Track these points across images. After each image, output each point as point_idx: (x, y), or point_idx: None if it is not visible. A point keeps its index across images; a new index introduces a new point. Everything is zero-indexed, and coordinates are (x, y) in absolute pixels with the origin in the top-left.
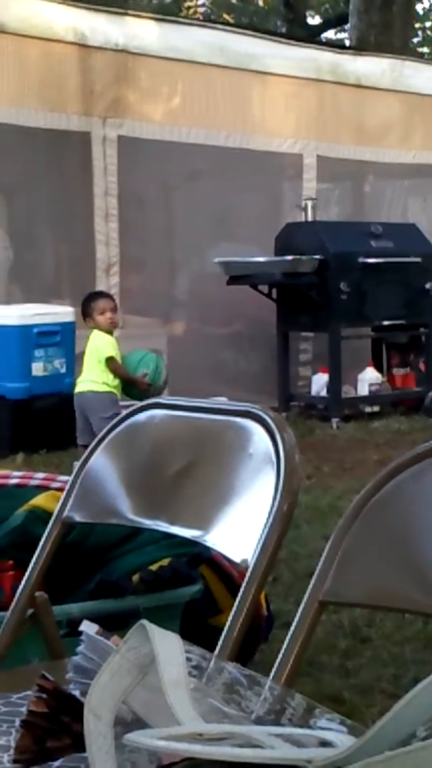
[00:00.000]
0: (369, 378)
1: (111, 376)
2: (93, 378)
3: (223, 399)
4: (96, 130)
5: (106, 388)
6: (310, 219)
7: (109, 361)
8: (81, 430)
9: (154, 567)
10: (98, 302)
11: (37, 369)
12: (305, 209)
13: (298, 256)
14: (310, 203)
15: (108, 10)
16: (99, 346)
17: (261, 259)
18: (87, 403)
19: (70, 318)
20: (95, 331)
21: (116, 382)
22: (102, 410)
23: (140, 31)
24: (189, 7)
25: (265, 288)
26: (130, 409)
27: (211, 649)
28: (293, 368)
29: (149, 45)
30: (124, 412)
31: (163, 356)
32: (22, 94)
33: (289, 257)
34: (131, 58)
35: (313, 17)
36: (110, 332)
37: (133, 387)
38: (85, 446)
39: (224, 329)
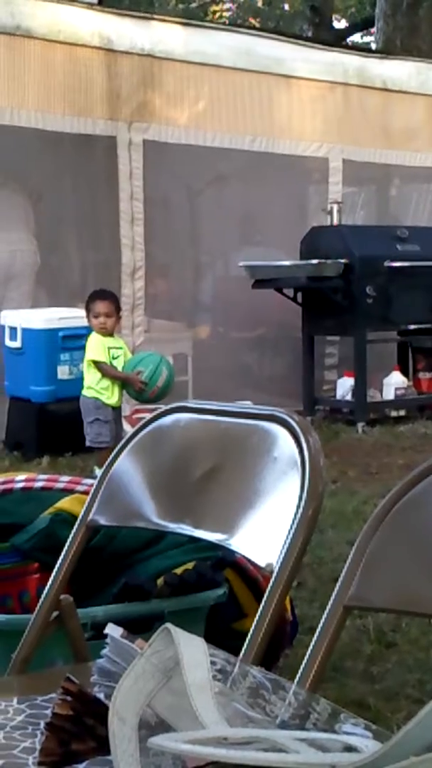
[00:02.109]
0: (395, 382)
1: (96, 379)
2: (85, 382)
3: (248, 403)
4: (122, 134)
5: (90, 393)
6: (335, 223)
7: (95, 364)
8: None
9: (178, 570)
10: (94, 304)
11: (63, 372)
12: (331, 213)
13: (323, 260)
14: (335, 207)
15: (134, 14)
16: (87, 348)
17: (286, 263)
18: (82, 407)
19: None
20: (91, 334)
21: (102, 385)
22: (86, 414)
23: (166, 36)
24: (215, 12)
25: (290, 292)
26: (156, 412)
27: (235, 654)
28: (318, 372)
29: (175, 49)
30: (147, 417)
31: (177, 362)
32: (49, 98)
33: (315, 261)
34: (157, 62)
35: (339, 21)
36: (107, 335)
37: (129, 386)
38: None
39: (249, 333)
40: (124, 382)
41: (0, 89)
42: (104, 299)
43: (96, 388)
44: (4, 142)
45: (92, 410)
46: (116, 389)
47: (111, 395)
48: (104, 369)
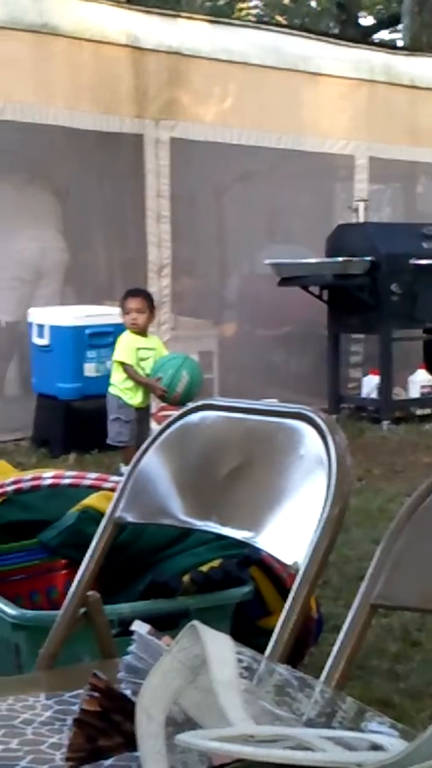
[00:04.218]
0: (420, 380)
1: (121, 379)
2: (111, 380)
3: (274, 400)
4: (148, 132)
5: (114, 391)
6: (361, 220)
7: (121, 365)
8: None
9: (204, 568)
10: (126, 301)
11: (89, 370)
12: (357, 210)
13: (349, 258)
14: (361, 204)
15: (161, 12)
16: (116, 347)
17: (312, 261)
18: (107, 403)
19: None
20: (124, 332)
21: (127, 385)
22: (109, 412)
23: (193, 33)
24: (241, 9)
25: (316, 289)
26: (182, 410)
27: (260, 651)
28: (343, 370)
29: (202, 47)
30: (173, 414)
31: (202, 361)
32: (76, 96)
33: (341, 259)
34: (184, 60)
35: (365, 18)
36: (140, 333)
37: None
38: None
39: (275, 330)
40: (144, 387)
41: (28, 87)
42: (136, 296)
43: (120, 387)
44: (32, 140)
45: (114, 408)
46: (140, 390)
47: (134, 395)
48: (129, 372)
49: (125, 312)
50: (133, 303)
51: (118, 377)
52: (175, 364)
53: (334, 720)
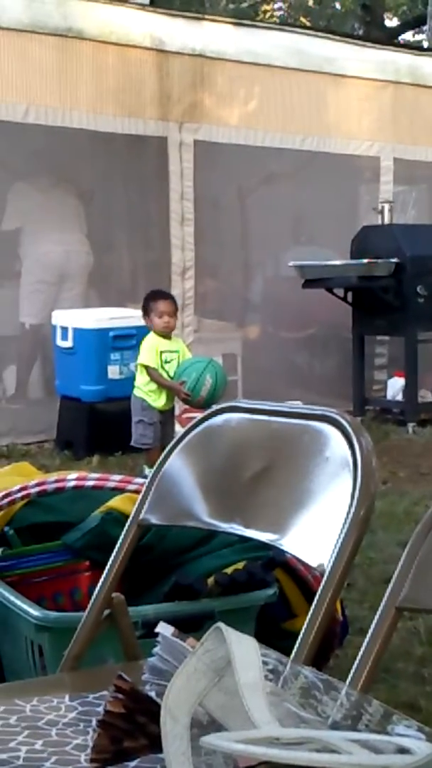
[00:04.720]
0: None
1: (145, 381)
2: (136, 382)
3: (299, 403)
4: (172, 134)
5: (139, 393)
6: (386, 222)
7: (144, 368)
8: None
9: (229, 570)
10: (157, 304)
11: (113, 372)
12: (382, 212)
13: (374, 260)
14: (387, 206)
15: (185, 15)
16: (141, 349)
17: (337, 263)
18: (131, 405)
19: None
20: (149, 334)
21: (151, 387)
22: (133, 414)
23: (217, 36)
24: (265, 11)
25: (340, 291)
26: (207, 412)
27: (285, 654)
28: (369, 372)
29: (226, 49)
30: (197, 416)
31: (226, 363)
32: (100, 99)
33: (365, 260)
34: (208, 62)
35: (390, 19)
36: (166, 336)
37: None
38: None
39: (299, 333)
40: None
41: (52, 91)
42: (167, 299)
43: (144, 389)
44: (56, 143)
45: (138, 411)
46: (164, 393)
47: (158, 398)
48: (152, 375)
49: (157, 315)
50: (166, 306)
51: (141, 380)
52: (199, 368)
53: (359, 723)
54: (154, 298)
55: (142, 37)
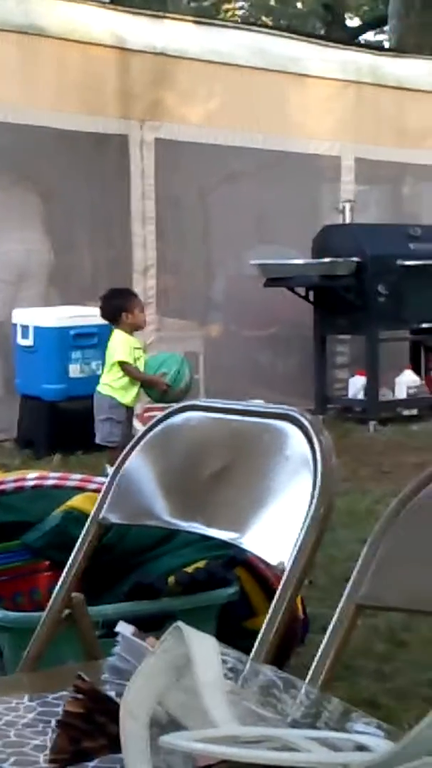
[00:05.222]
0: (407, 381)
1: (116, 378)
2: (103, 379)
3: (260, 401)
4: (134, 133)
5: (106, 391)
6: (348, 221)
7: (121, 365)
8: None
9: (189, 569)
10: (136, 300)
11: (74, 371)
12: (343, 211)
13: (335, 259)
14: (348, 205)
15: (147, 13)
16: (115, 346)
17: (298, 262)
18: (95, 403)
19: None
20: (118, 332)
21: (120, 384)
22: (98, 412)
23: (179, 34)
24: (227, 10)
25: (302, 290)
26: (167, 411)
27: (246, 652)
28: (330, 371)
29: (188, 48)
30: (158, 415)
31: (190, 361)
32: (62, 97)
33: (327, 260)
34: (170, 60)
35: (352, 19)
36: (131, 332)
37: (151, 388)
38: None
39: (261, 331)
40: (146, 384)
41: (13, 87)
42: (135, 295)
43: (114, 386)
44: (18, 140)
45: (106, 409)
46: (134, 390)
47: (126, 395)
48: (130, 371)
49: (139, 309)
50: (139, 302)
51: (111, 377)
52: (177, 361)
53: (319, 721)
54: (131, 294)
55: (104, 34)
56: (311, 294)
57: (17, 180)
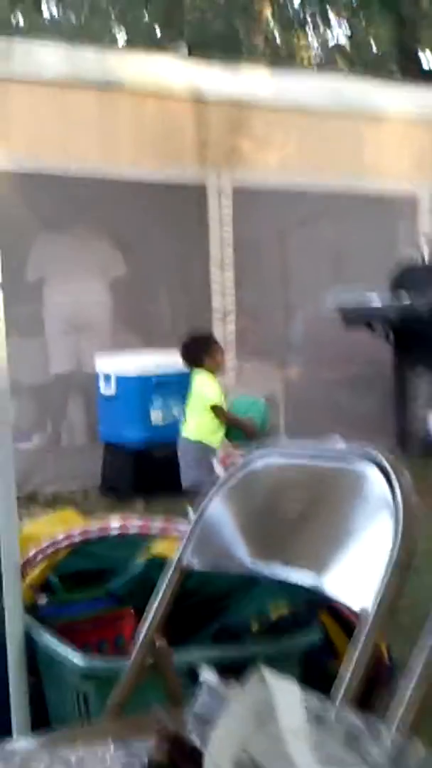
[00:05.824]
0: None
1: (207, 421)
2: (190, 424)
3: (339, 438)
4: (211, 181)
5: (194, 436)
6: (426, 259)
7: (213, 408)
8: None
9: (273, 614)
10: (213, 345)
11: (156, 418)
12: (420, 249)
13: (413, 300)
14: (426, 244)
15: (222, 62)
16: (204, 390)
17: (377, 305)
18: (181, 447)
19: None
20: (202, 375)
21: (211, 428)
22: (190, 458)
23: (254, 81)
24: (302, 58)
25: (381, 330)
26: (247, 457)
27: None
28: (411, 409)
29: (263, 95)
30: (240, 461)
31: (269, 403)
32: (140, 149)
33: (405, 301)
34: (246, 108)
35: (423, 51)
36: (213, 375)
37: (238, 430)
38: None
39: (340, 372)
40: (235, 426)
41: (92, 142)
42: (214, 339)
43: (203, 430)
44: (96, 194)
45: (196, 453)
46: (221, 432)
47: (215, 438)
48: (225, 414)
49: (219, 353)
50: (221, 348)
51: (202, 420)
52: (261, 405)
53: (403, 766)
54: (211, 338)
55: (180, 86)
56: (390, 334)
57: (95, 231)
